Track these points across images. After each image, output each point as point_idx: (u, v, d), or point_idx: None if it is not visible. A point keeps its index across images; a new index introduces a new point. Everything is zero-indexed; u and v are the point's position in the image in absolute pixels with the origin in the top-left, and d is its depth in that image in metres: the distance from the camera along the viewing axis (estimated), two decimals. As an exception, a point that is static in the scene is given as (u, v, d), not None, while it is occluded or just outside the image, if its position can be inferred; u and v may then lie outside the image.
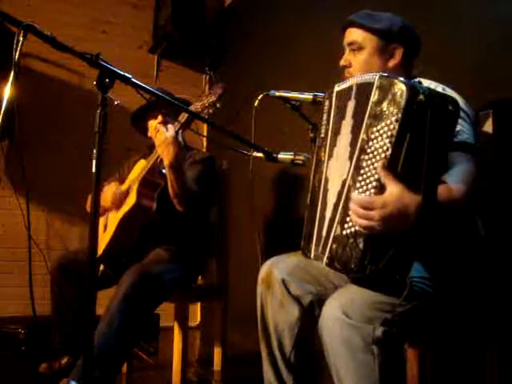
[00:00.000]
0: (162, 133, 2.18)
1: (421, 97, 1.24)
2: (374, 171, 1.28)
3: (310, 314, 1.57)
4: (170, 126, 2.20)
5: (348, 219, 1.33)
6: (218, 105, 2.00)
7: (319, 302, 1.50)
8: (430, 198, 1.25)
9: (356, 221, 1.28)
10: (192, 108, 2.09)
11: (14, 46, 1.25)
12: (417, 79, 1.59)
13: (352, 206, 1.29)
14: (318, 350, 1.47)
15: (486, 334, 1.55)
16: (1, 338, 2.95)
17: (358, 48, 1.63)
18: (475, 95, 1.57)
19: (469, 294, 1.49)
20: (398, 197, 1.23)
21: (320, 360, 1.50)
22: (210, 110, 2.01)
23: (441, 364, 1.78)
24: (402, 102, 1.24)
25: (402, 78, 1.30)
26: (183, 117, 2.19)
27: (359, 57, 1.63)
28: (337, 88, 1.50)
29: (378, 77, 1.33)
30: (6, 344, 2.93)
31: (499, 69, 1.81)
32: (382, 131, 1.28)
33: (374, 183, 1.27)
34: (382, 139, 1.27)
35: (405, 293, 1.28)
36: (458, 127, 1.43)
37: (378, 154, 1.28)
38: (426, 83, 1.54)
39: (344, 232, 1.33)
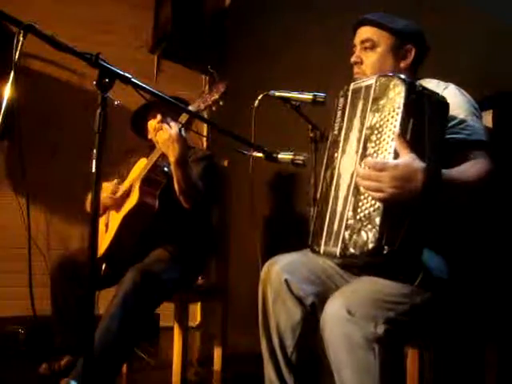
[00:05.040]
0: (165, 130, 2.15)
1: (418, 88, 1.34)
2: (381, 156, 1.33)
3: (312, 315, 1.57)
4: (172, 123, 2.16)
5: (361, 203, 1.35)
6: (221, 103, 1.98)
7: (321, 303, 1.49)
8: (435, 173, 1.30)
9: (367, 184, 1.31)
10: (194, 106, 2.06)
11: (14, 46, 1.25)
12: (422, 79, 1.61)
13: (363, 171, 1.33)
14: (319, 351, 1.47)
15: (486, 334, 1.55)
16: (1, 338, 2.95)
17: (371, 46, 1.64)
18: (475, 95, 1.57)
19: (470, 294, 1.49)
20: (410, 161, 1.28)
21: (321, 361, 1.50)
22: (214, 108, 1.99)
23: (441, 364, 1.78)
24: (402, 93, 1.33)
25: (399, 75, 1.38)
26: (183, 118, 2.17)
27: (372, 55, 1.64)
28: (352, 86, 1.51)
29: (376, 76, 1.42)
30: (5, 344, 2.93)
31: (499, 68, 1.81)
32: (385, 119, 1.35)
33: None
34: (387, 126, 1.34)
35: (420, 276, 1.30)
36: (475, 125, 1.49)
37: (384, 139, 1.34)
38: (434, 82, 1.58)
39: (358, 217, 1.35)
